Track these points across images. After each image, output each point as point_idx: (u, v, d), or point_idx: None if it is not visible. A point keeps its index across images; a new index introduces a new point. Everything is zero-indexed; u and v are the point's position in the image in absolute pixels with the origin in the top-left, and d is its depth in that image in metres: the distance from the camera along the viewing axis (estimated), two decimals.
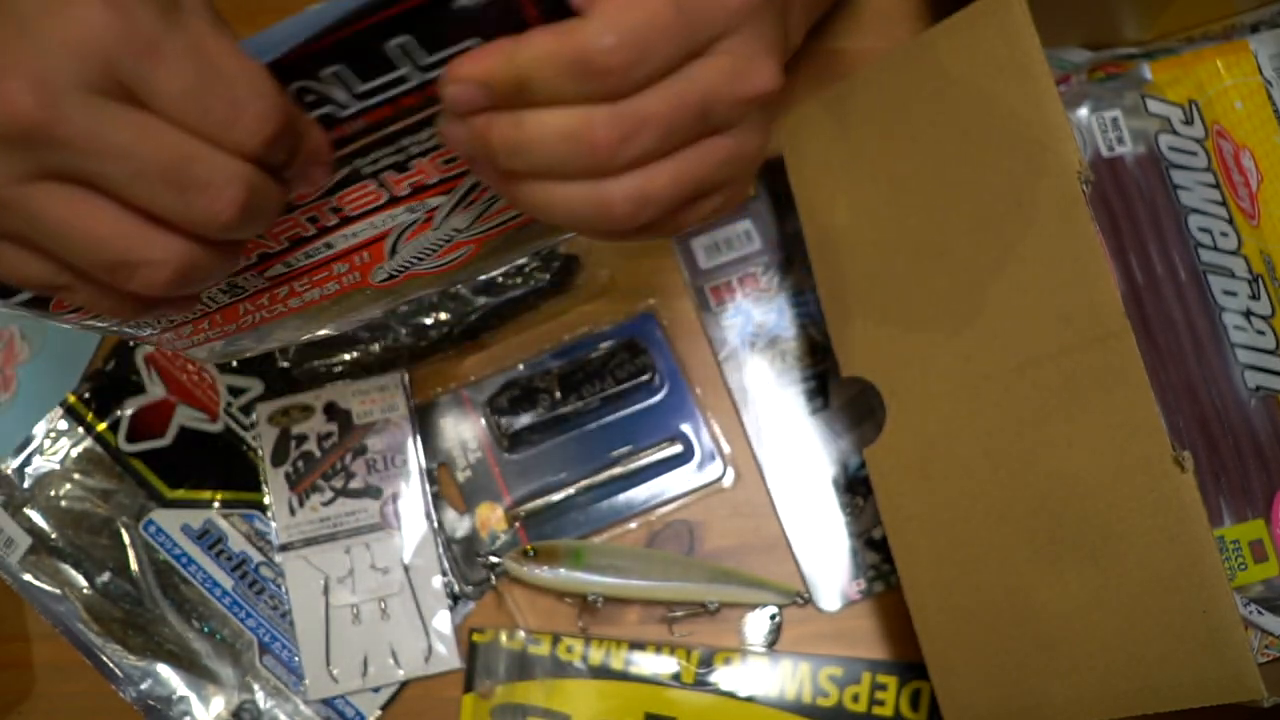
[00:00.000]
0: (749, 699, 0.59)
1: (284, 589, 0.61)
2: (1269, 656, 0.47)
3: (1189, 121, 0.52)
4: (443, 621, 0.60)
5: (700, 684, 0.59)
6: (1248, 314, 0.51)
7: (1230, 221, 0.52)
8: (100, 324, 0.36)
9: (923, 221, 0.51)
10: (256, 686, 0.60)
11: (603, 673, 0.59)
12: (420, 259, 0.40)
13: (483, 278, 0.62)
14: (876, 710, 0.58)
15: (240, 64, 0.28)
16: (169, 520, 0.61)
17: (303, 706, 0.60)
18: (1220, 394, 0.50)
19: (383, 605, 0.60)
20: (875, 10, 0.67)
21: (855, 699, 0.59)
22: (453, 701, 0.60)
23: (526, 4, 0.28)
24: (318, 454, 0.62)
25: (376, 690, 0.60)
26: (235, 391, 0.63)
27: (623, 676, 0.59)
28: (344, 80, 0.30)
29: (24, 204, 0.28)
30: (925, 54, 0.51)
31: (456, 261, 0.41)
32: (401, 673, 0.60)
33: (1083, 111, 0.52)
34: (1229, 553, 0.49)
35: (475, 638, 0.60)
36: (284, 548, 0.61)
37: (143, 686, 0.59)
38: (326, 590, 0.60)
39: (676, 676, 0.59)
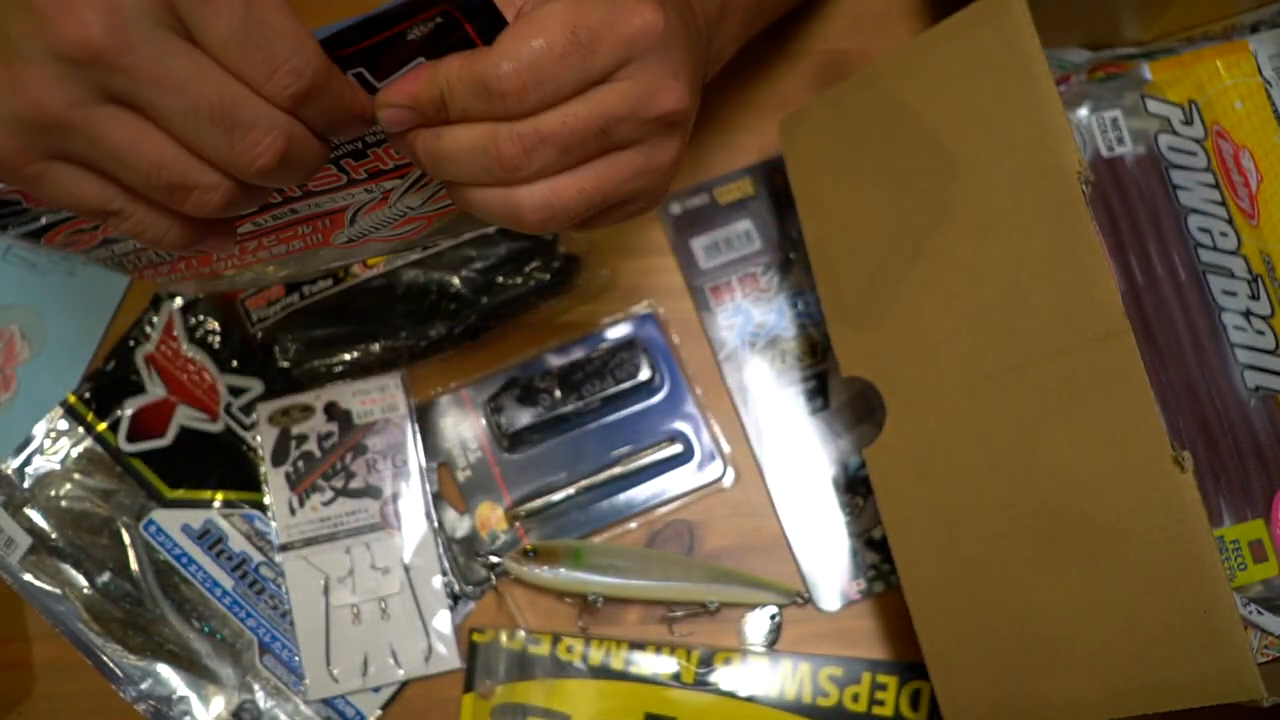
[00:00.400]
0: (749, 699, 0.59)
1: (284, 589, 0.61)
2: (1269, 656, 0.47)
3: (1189, 122, 0.52)
4: (443, 621, 0.60)
5: (700, 684, 0.59)
6: (1247, 314, 0.51)
7: (1230, 221, 0.52)
8: (99, 253, 0.40)
9: (923, 221, 0.51)
10: (256, 686, 0.60)
11: (603, 673, 0.59)
12: (377, 229, 0.42)
13: (483, 278, 0.62)
14: (876, 710, 0.58)
15: (286, 20, 0.29)
16: (169, 520, 0.61)
17: (303, 706, 0.60)
18: (1220, 394, 0.50)
19: (383, 605, 0.60)
20: (875, 10, 0.67)
21: (855, 699, 0.59)
22: (453, 701, 0.60)
23: (469, 28, 0.31)
24: (318, 454, 0.62)
25: (376, 690, 0.60)
26: (235, 391, 0.63)
27: (623, 676, 0.59)
28: None
29: (88, 125, 0.30)
30: (925, 54, 0.51)
31: (411, 232, 0.44)
32: (401, 673, 0.60)
33: (1083, 111, 0.52)
34: (1229, 553, 0.49)
35: (475, 638, 0.60)
36: (284, 548, 0.61)
37: (143, 686, 0.59)
38: (327, 590, 0.60)
39: (676, 676, 0.59)
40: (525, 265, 0.63)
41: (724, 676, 0.59)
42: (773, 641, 0.60)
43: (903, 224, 0.52)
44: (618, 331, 0.63)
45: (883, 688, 0.59)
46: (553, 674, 0.59)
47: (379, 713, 0.60)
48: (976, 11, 0.49)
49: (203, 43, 0.29)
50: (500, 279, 0.62)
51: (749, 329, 0.63)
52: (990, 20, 0.48)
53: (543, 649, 0.60)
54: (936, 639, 0.51)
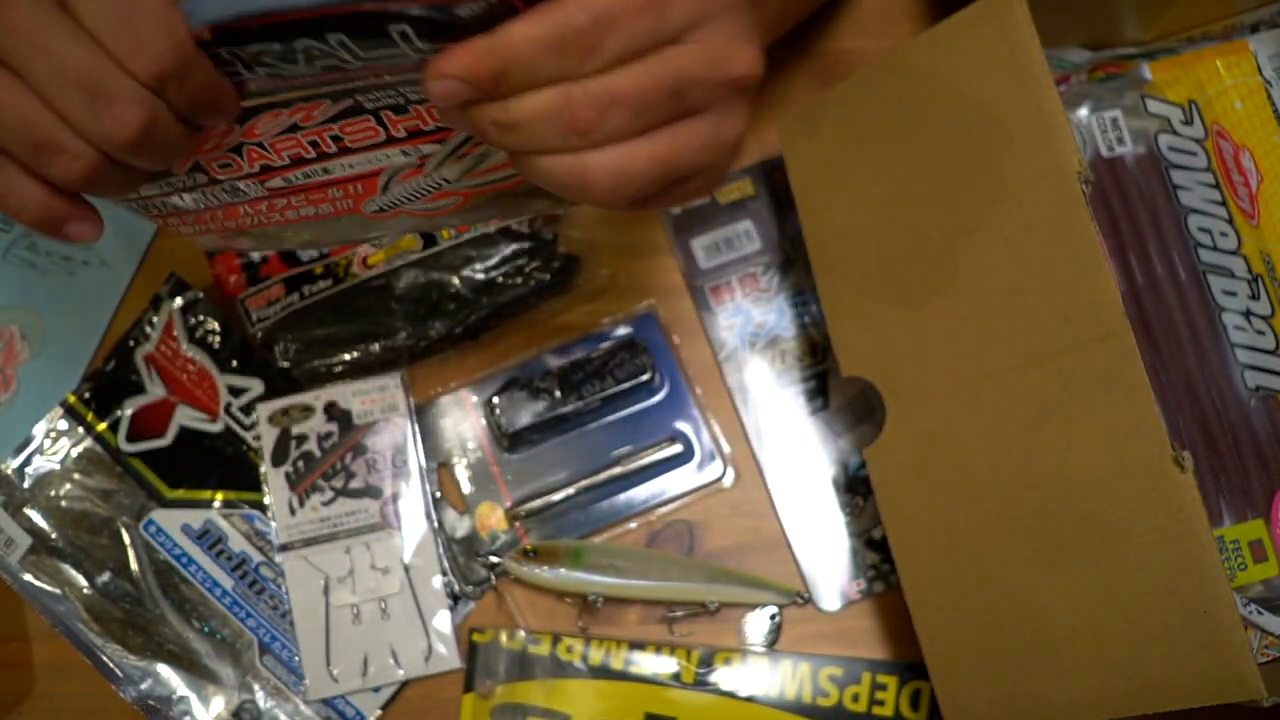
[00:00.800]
0: (749, 699, 0.59)
1: (284, 589, 0.61)
2: (1269, 656, 0.47)
3: (1189, 121, 0.52)
4: (443, 621, 0.60)
5: (700, 684, 0.59)
6: (1247, 314, 0.51)
7: (1230, 221, 0.52)
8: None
9: (923, 221, 0.51)
10: (256, 686, 0.60)
11: (603, 673, 0.59)
12: (410, 200, 0.42)
13: (484, 278, 0.62)
14: (876, 710, 0.58)
15: (155, 3, 0.30)
16: (169, 520, 0.61)
17: (303, 706, 0.60)
18: (1220, 394, 0.50)
19: (383, 605, 0.60)
20: (875, 10, 0.67)
21: (855, 699, 0.59)
22: (453, 701, 0.60)
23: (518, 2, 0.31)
24: (318, 454, 0.62)
25: (376, 690, 0.60)
26: (235, 391, 0.63)
27: (623, 676, 0.59)
28: (348, 47, 0.32)
29: None
30: (926, 54, 0.51)
31: (444, 209, 0.43)
32: (401, 673, 0.60)
33: (1083, 111, 0.52)
34: (1229, 553, 0.49)
35: (475, 638, 0.60)
36: (284, 548, 0.61)
37: (143, 686, 0.59)
38: (327, 590, 0.60)
39: (676, 676, 0.59)
40: (525, 265, 0.63)
41: (724, 676, 0.59)
42: (773, 641, 0.60)
43: (903, 224, 0.52)
44: (618, 331, 0.63)
45: (883, 688, 0.59)
46: (553, 674, 0.59)
47: (379, 713, 0.60)
48: (977, 11, 0.49)
49: (76, 15, 0.30)
50: (500, 279, 0.62)
51: (749, 329, 0.63)
52: (991, 20, 0.48)
53: (543, 649, 0.60)
54: (936, 639, 0.51)
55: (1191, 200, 0.51)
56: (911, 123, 0.52)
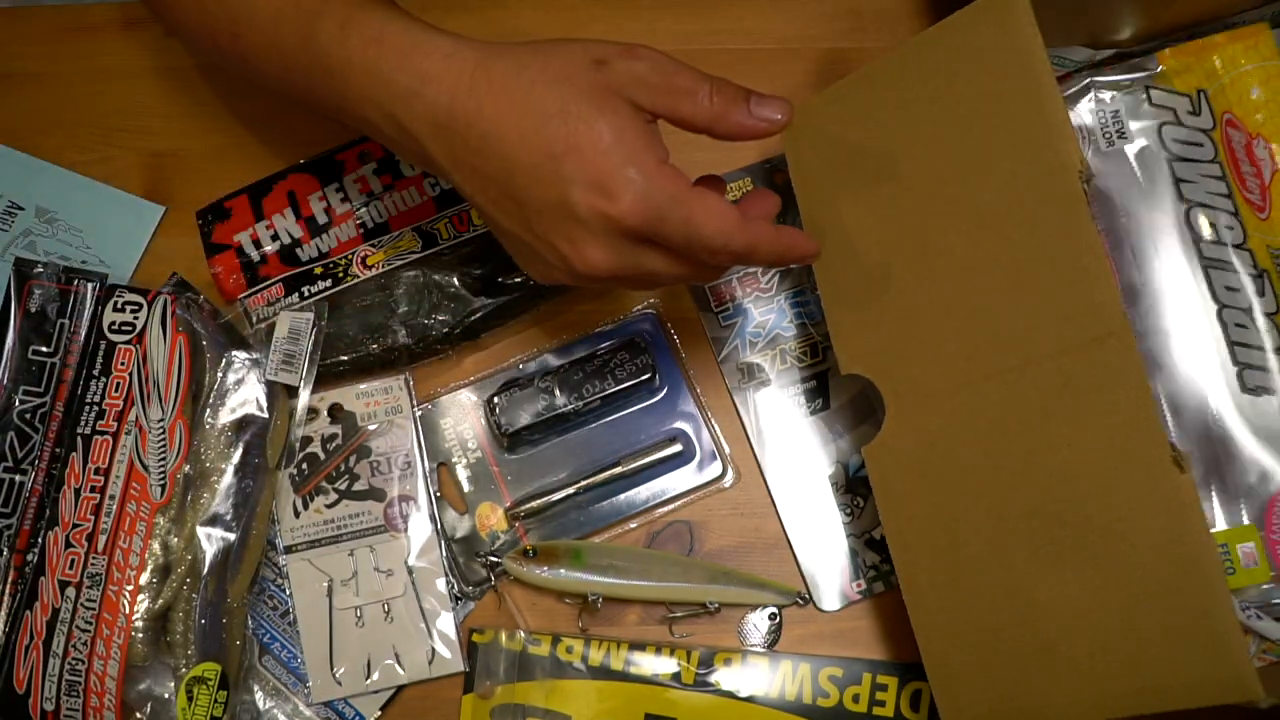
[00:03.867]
0: (749, 699, 0.59)
1: (286, 590, 0.61)
2: (1265, 661, 0.47)
3: (1196, 112, 0.52)
4: (446, 624, 0.60)
5: (700, 684, 0.59)
6: (1249, 310, 0.50)
7: (1236, 214, 0.51)
8: None
9: (923, 221, 0.51)
10: (256, 687, 0.60)
11: (603, 673, 0.59)
12: None
13: (482, 278, 0.62)
14: (877, 711, 0.58)
15: (714, 211, 0.45)
16: None
17: (302, 707, 0.60)
18: (1218, 395, 0.50)
19: (386, 608, 0.60)
20: (875, 10, 0.67)
21: (856, 699, 0.58)
22: (453, 702, 0.60)
23: None
24: (322, 456, 0.62)
25: (377, 691, 0.60)
26: None
27: (623, 677, 0.59)
28: None
29: (631, 267, 0.46)
30: (926, 52, 0.51)
31: None
32: (404, 675, 0.60)
33: (1086, 105, 0.52)
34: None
35: (475, 638, 0.60)
36: (288, 550, 0.61)
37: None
38: (330, 593, 0.60)
39: (676, 677, 0.59)
40: None
41: (724, 677, 0.59)
42: (773, 642, 0.60)
43: (903, 223, 0.52)
44: (618, 332, 0.63)
45: (883, 688, 0.58)
46: (553, 674, 0.59)
47: (378, 713, 0.60)
48: (979, 9, 0.48)
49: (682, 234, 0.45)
50: (500, 279, 0.62)
51: (749, 329, 0.63)
52: (992, 18, 0.48)
53: (543, 649, 0.60)
54: (935, 639, 0.51)
55: (1195, 194, 0.51)
56: (912, 121, 0.52)
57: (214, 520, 0.58)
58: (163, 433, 0.59)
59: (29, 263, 0.62)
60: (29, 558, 0.58)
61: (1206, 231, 0.50)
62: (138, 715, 0.58)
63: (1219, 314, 0.50)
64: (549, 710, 0.59)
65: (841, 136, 0.55)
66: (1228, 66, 0.51)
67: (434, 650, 0.60)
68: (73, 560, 0.57)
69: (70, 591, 0.57)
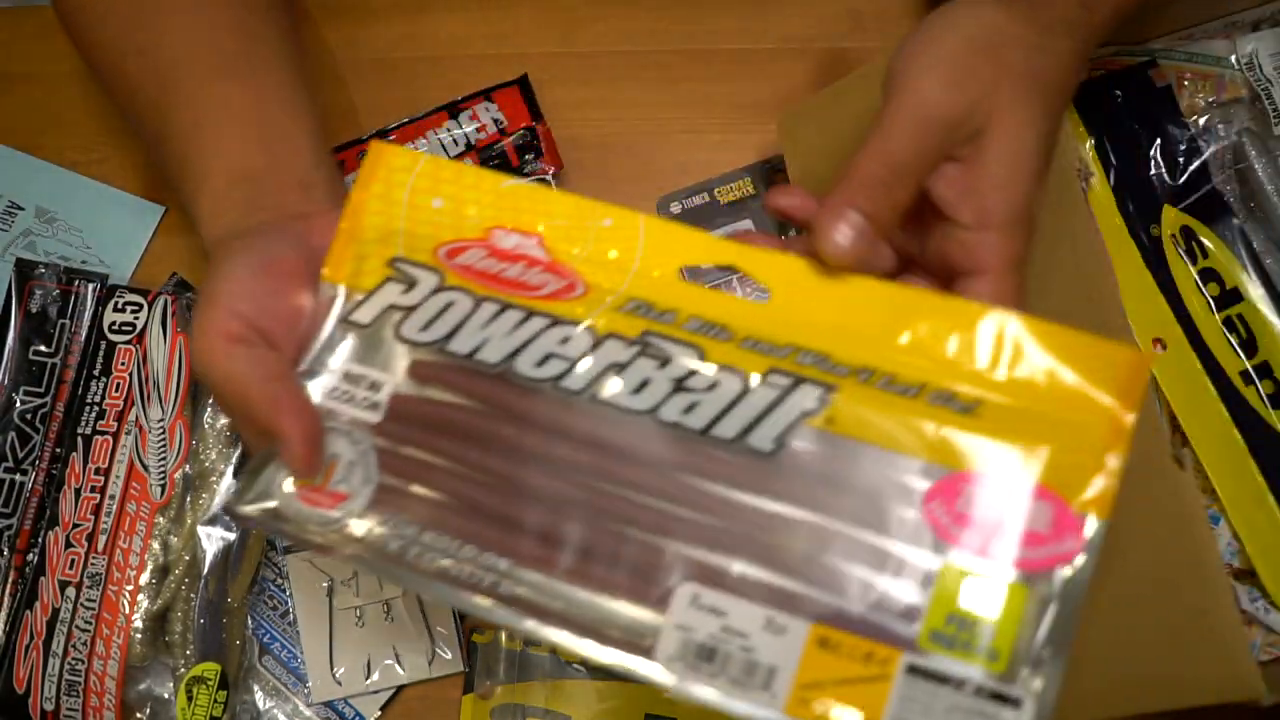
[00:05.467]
0: None
1: (286, 590, 0.61)
2: (1272, 655, 0.47)
3: None
4: (447, 625, 0.60)
5: None
6: None
7: None
8: None
9: None
10: (256, 687, 0.60)
11: (603, 673, 0.59)
12: None
13: None
14: None
15: None
16: None
17: (302, 707, 0.60)
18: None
19: (386, 608, 0.60)
20: (875, 10, 0.67)
21: None
22: (452, 702, 0.60)
23: None
24: None
25: (377, 691, 0.60)
26: None
27: (623, 677, 0.59)
28: None
29: None
30: None
31: None
32: (405, 675, 0.60)
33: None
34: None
35: (475, 638, 0.60)
36: (288, 550, 0.61)
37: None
38: (330, 593, 0.60)
39: None
40: None
41: None
42: None
43: None
44: None
45: None
46: (553, 674, 0.59)
47: (378, 713, 0.60)
48: None
49: None
50: None
51: None
52: None
53: (543, 649, 0.60)
54: None
55: None
56: None
57: (214, 520, 0.58)
58: (163, 433, 0.59)
59: (30, 264, 0.62)
60: (29, 558, 0.58)
61: None
62: (138, 715, 0.58)
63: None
64: (549, 710, 0.59)
65: (840, 134, 0.55)
66: None
67: (434, 650, 0.60)
68: (73, 560, 0.57)
69: (70, 591, 0.57)
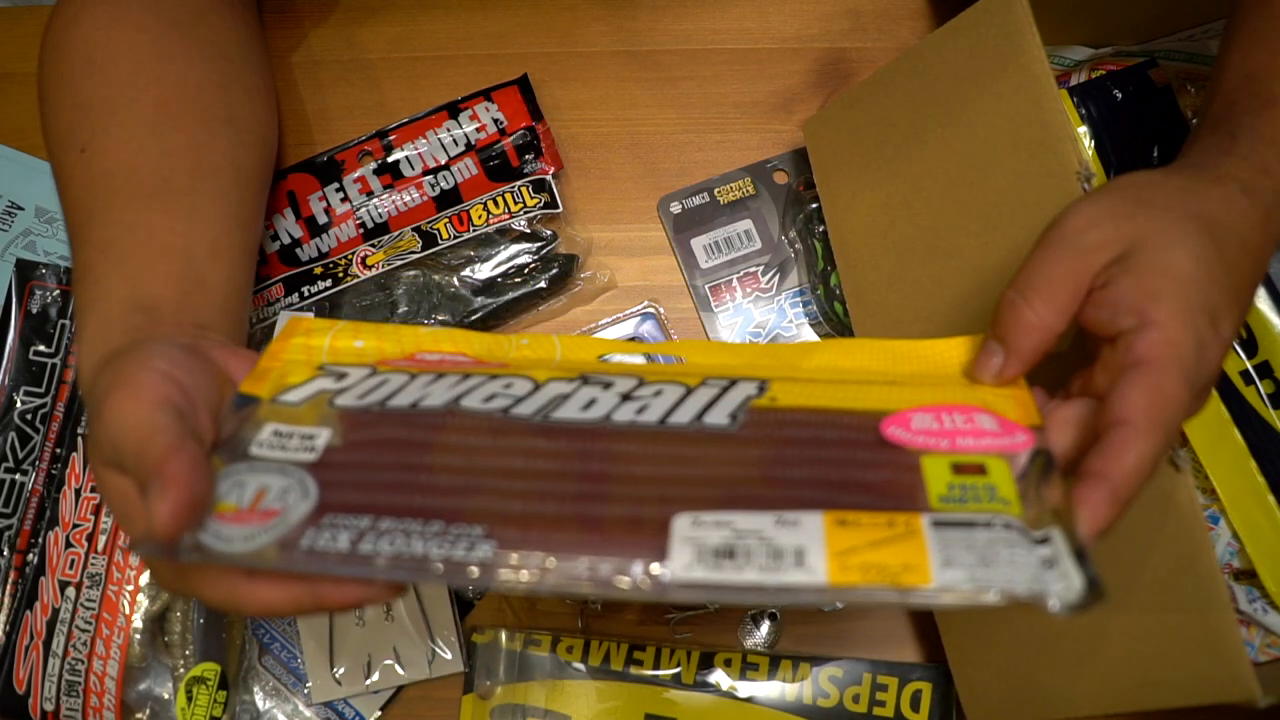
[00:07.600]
0: (749, 699, 0.59)
1: None
2: (1270, 655, 0.47)
3: None
4: (448, 625, 0.60)
5: (700, 684, 0.59)
6: None
7: None
8: None
9: (935, 222, 0.51)
10: (256, 687, 0.60)
11: (603, 673, 0.59)
12: None
13: (483, 278, 0.62)
14: (877, 711, 0.58)
15: None
16: None
17: (302, 707, 0.60)
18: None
19: (386, 608, 0.60)
20: (875, 10, 0.67)
21: (856, 700, 0.58)
22: (452, 702, 0.60)
23: None
24: None
25: (377, 691, 0.60)
26: None
27: (622, 677, 0.59)
28: None
29: None
30: (933, 54, 0.51)
31: None
32: (405, 675, 0.60)
33: None
34: None
35: (475, 638, 0.60)
36: None
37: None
38: None
39: (676, 677, 0.59)
40: (525, 265, 0.63)
41: (724, 677, 0.59)
42: (773, 642, 0.60)
43: (916, 225, 0.52)
44: (618, 331, 0.63)
45: (883, 688, 0.58)
46: (552, 674, 0.59)
47: (378, 713, 0.60)
48: (979, 11, 0.49)
49: None
50: (500, 279, 0.62)
51: (749, 329, 0.63)
52: (993, 19, 0.48)
53: (543, 649, 0.60)
54: (955, 631, 0.52)
55: None
56: (922, 124, 0.52)
57: None
58: None
59: (30, 264, 0.62)
60: (29, 558, 0.58)
61: None
62: (137, 715, 0.58)
63: None
64: (549, 710, 0.59)
65: (860, 138, 0.55)
66: None
67: (434, 650, 0.60)
68: (73, 560, 0.58)
69: (70, 591, 0.57)
